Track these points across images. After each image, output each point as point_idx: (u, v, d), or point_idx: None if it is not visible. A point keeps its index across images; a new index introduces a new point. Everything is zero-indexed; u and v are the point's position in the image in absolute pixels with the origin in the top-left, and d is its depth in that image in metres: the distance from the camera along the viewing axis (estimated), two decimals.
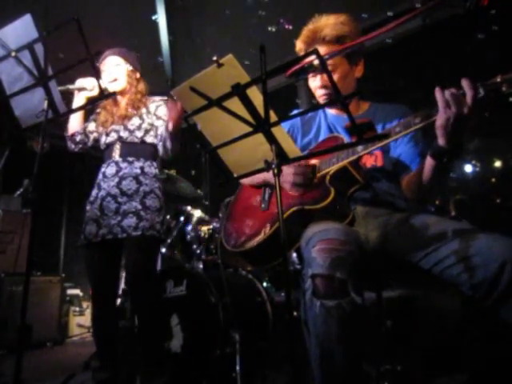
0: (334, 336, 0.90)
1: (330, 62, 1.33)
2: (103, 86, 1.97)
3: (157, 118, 1.96)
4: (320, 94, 1.38)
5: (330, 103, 1.42)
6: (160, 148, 1.87)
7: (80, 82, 1.90)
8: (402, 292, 2.14)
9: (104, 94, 1.66)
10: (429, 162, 1.09)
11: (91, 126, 2.07)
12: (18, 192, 3.81)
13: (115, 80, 1.95)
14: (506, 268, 0.87)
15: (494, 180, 2.75)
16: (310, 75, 1.39)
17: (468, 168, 2.85)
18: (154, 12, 3.36)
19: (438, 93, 0.97)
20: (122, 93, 2.00)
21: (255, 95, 0.91)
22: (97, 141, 2.05)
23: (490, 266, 0.89)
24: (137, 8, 3.31)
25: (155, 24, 3.37)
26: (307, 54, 0.89)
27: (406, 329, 2.03)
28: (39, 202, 1.34)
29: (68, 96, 1.88)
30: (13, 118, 1.45)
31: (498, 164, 2.75)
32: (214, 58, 0.90)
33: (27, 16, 1.32)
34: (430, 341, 1.96)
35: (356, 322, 0.92)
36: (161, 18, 3.36)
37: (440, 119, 0.97)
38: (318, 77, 1.37)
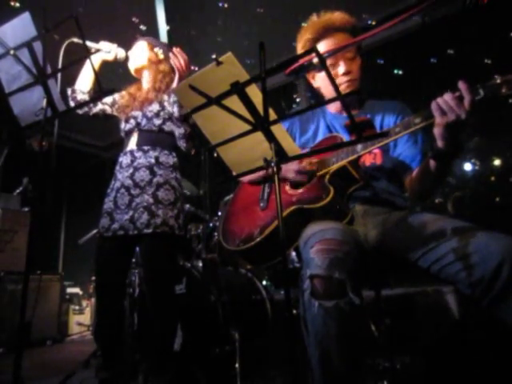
0: (332, 336, 0.90)
1: (349, 54, 1.34)
2: (119, 55, 1.96)
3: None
4: (344, 81, 1.35)
5: (328, 101, 1.42)
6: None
7: (100, 44, 1.90)
8: (400, 290, 2.15)
9: (103, 92, 1.64)
10: (431, 163, 1.10)
11: (106, 98, 2.03)
12: (18, 190, 3.82)
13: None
14: (503, 267, 0.87)
15: (493, 178, 2.75)
16: (329, 63, 1.36)
17: (467, 166, 2.85)
18: (153, 11, 3.37)
19: (433, 104, 1.00)
20: (143, 70, 1.99)
21: (254, 93, 0.91)
22: (106, 115, 2.03)
23: (487, 264, 0.89)
24: (136, 8, 3.31)
25: (154, 23, 3.37)
26: (307, 52, 0.88)
27: (405, 327, 2.03)
28: (38, 201, 1.33)
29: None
30: (12, 116, 1.45)
31: (497, 162, 2.75)
32: (214, 57, 0.90)
33: (26, 14, 1.31)
34: (429, 339, 1.97)
35: (354, 322, 0.92)
36: (160, 17, 3.37)
37: (437, 127, 1.00)
38: (342, 63, 1.35)
